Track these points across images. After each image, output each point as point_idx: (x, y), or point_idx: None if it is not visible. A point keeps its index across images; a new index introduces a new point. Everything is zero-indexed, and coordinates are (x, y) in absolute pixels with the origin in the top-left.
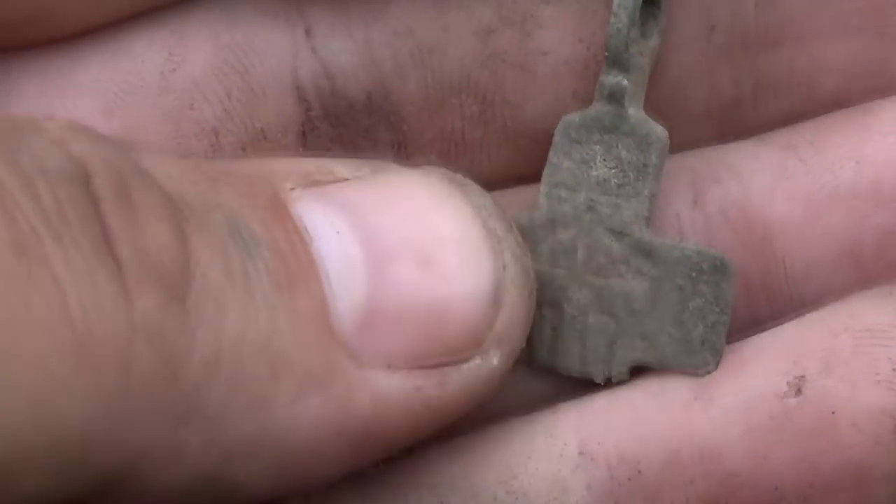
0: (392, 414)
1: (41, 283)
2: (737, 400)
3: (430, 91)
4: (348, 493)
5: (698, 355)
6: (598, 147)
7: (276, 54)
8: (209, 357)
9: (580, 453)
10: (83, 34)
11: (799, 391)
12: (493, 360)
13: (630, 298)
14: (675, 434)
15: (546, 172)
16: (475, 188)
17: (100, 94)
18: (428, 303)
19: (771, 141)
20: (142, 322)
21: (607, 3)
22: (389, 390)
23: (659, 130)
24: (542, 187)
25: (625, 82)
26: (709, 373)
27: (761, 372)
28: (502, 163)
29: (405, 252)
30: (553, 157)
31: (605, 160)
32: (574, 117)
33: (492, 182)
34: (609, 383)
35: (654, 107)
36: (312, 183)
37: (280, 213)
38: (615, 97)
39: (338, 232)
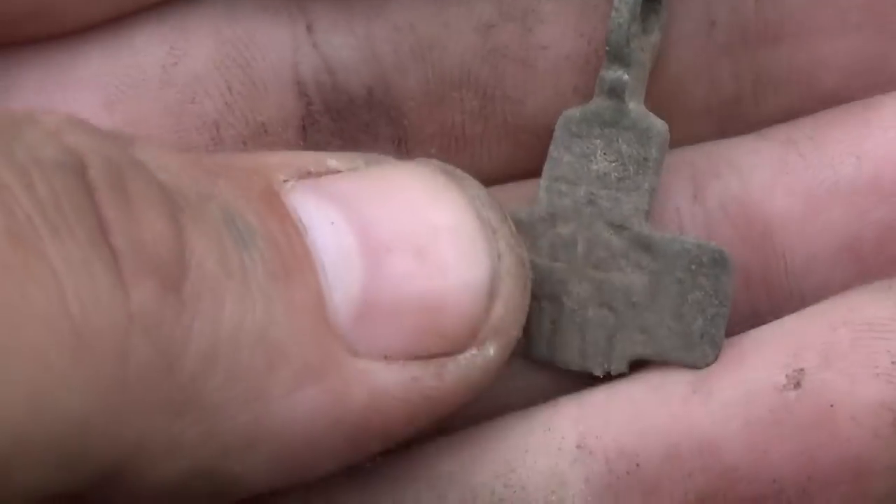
0: (389, 405)
1: (38, 275)
2: (736, 393)
3: (430, 86)
4: (347, 488)
5: (697, 348)
6: (598, 141)
7: (277, 49)
8: (206, 348)
9: (578, 447)
10: (84, 29)
11: (798, 384)
12: (489, 351)
13: (629, 292)
14: (674, 427)
15: (546, 167)
16: (469, 179)
17: (101, 88)
18: (424, 294)
19: (771, 136)
20: (138, 313)
21: None
22: (386, 382)
23: (659, 125)
24: (543, 181)
25: (625, 77)
26: (708, 366)
27: (760, 365)
28: (503, 158)
29: (400, 243)
30: (553, 151)
31: (605, 154)
32: (574, 112)
33: (492, 177)
34: (608, 377)
35: (654, 102)
36: (306, 175)
37: (275, 204)
38: (615, 92)
39: (332, 223)
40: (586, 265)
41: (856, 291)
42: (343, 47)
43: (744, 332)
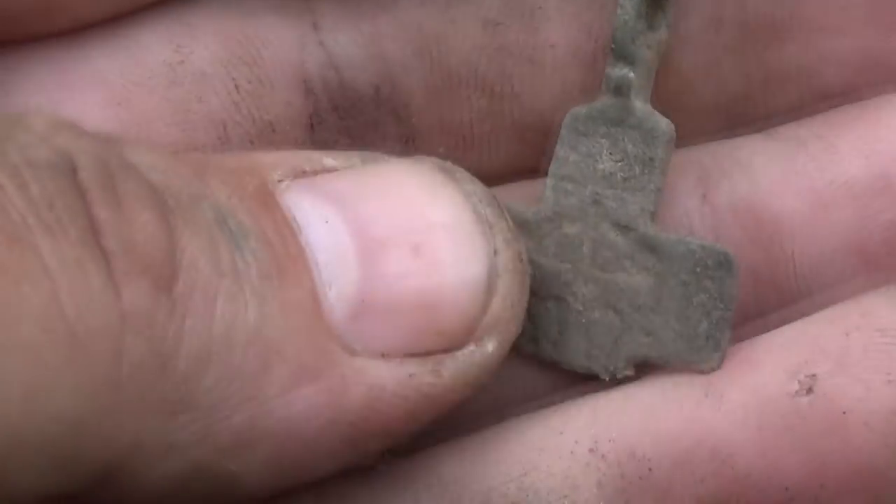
0: (387, 403)
1: (33, 274)
2: (748, 398)
3: (437, 84)
4: (361, 490)
5: (702, 351)
6: (604, 140)
7: (284, 47)
8: (198, 348)
9: (591, 450)
10: (90, 26)
11: (810, 390)
12: (487, 347)
13: (635, 293)
14: (687, 432)
15: (553, 166)
16: (465, 175)
17: (107, 87)
18: (420, 291)
19: (780, 135)
20: (131, 313)
21: None
22: (384, 379)
23: (665, 124)
24: (549, 181)
25: (631, 75)
26: (713, 369)
27: (772, 370)
28: (510, 156)
29: (396, 240)
30: (560, 150)
31: (611, 154)
32: (581, 110)
33: (500, 174)
34: (613, 379)
35: (662, 99)
36: (301, 174)
37: (268, 203)
38: (621, 90)
39: (327, 221)
40: (592, 266)
41: (869, 296)
42: (350, 45)
43: (753, 333)
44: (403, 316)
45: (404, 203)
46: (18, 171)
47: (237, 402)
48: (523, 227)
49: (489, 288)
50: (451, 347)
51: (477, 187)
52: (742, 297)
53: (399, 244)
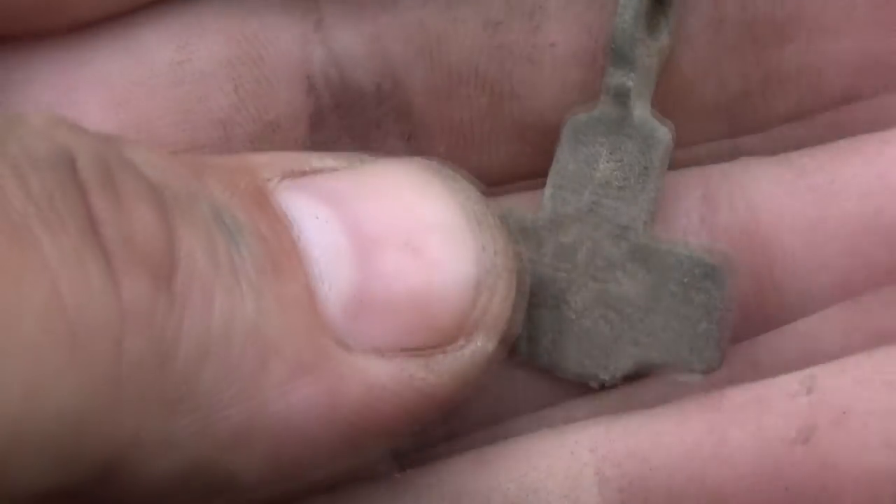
0: (383, 400)
1: (33, 269)
2: (748, 442)
3: (438, 83)
4: (372, 497)
5: (688, 364)
6: (602, 148)
7: (286, 45)
8: (197, 343)
9: (591, 451)
10: (93, 24)
11: (807, 440)
12: (478, 343)
13: (627, 302)
14: (685, 470)
15: (552, 173)
16: (456, 176)
17: (110, 86)
18: (414, 288)
19: (789, 162)
20: (130, 307)
21: None
22: (379, 375)
23: (662, 132)
24: (548, 188)
25: (630, 82)
26: (698, 380)
27: (776, 415)
28: (511, 155)
29: (389, 238)
30: (559, 157)
31: (608, 161)
32: (580, 117)
33: (500, 174)
34: (604, 388)
35: (662, 101)
36: (293, 174)
37: (261, 201)
38: (620, 97)
39: (319, 219)
40: (586, 274)
41: (882, 351)
42: (351, 43)
43: (741, 356)
44: (397, 313)
45: (397, 202)
46: (18, 166)
47: (235, 398)
48: (523, 233)
49: (480, 285)
50: (443, 344)
51: (467, 187)
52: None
53: (392, 242)
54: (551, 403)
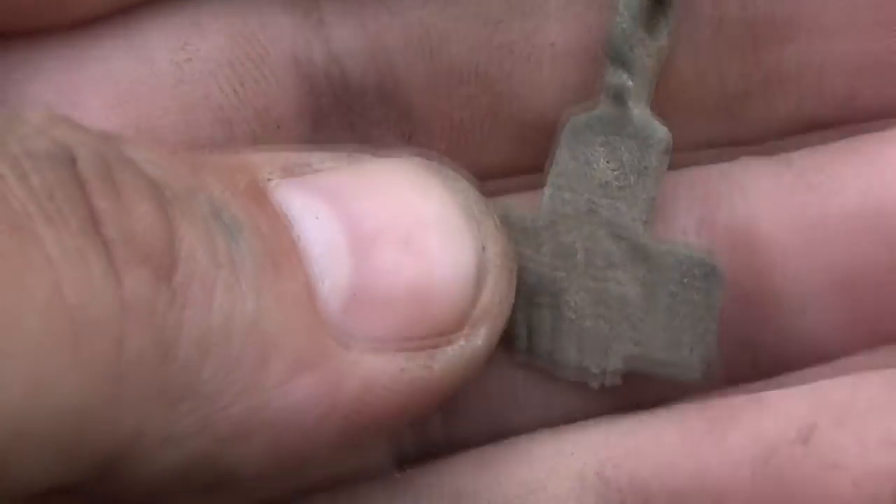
0: (382, 396)
1: (35, 264)
2: (748, 442)
3: (438, 81)
4: (373, 496)
5: (686, 363)
6: (601, 148)
7: (287, 44)
8: (197, 337)
9: (597, 474)
10: (96, 21)
11: (807, 441)
12: (477, 341)
13: (625, 302)
14: (685, 470)
15: (551, 173)
16: (453, 173)
17: (113, 83)
18: (411, 284)
19: (788, 162)
20: (131, 302)
21: None
22: (377, 371)
23: (661, 132)
24: (547, 188)
25: (629, 83)
26: (696, 380)
27: (776, 417)
28: (510, 154)
29: (386, 235)
30: (558, 157)
31: (607, 162)
32: (579, 117)
33: (500, 174)
34: (603, 388)
35: (661, 101)
36: (290, 173)
37: (260, 199)
38: (619, 98)
39: (318, 217)
40: (585, 275)
41: (881, 352)
42: (353, 41)
43: (739, 361)
44: (395, 309)
45: (394, 199)
46: (19, 162)
47: (236, 393)
48: (522, 233)
49: (478, 282)
50: (442, 340)
51: (464, 185)
52: (731, 324)
53: (390, 239)
54: (552, 404)
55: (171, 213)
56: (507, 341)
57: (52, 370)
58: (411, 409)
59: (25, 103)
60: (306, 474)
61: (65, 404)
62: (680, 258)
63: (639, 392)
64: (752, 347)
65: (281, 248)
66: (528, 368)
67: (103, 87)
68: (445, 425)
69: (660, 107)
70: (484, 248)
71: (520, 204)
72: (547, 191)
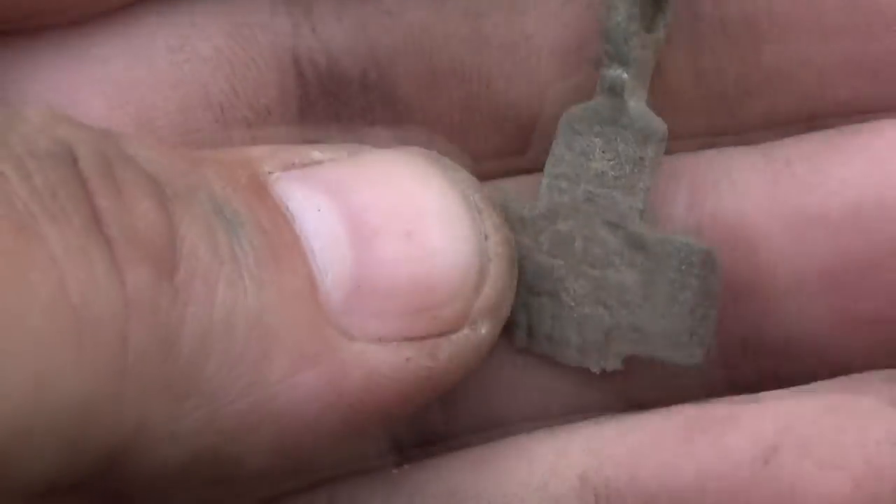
0: (384, 386)
1: (39, 261)
2: (716, 457)
3: (421, 73)
4: (371, 493)
5: (686, 348)
6: (598, 140)
7: (277, 31)
8: (201, 333)
9: (596, 473)
10: (94, 18)
11: (767, 461)
12: (481, 330)
13: (624, 290)
14: (686, 470)
15: (548, 163)
16: (452, 164)
17: (108, 72)
18: (414, 275)
19: (773, 154)
20: (134, 299)
21: None
22: (381, 363)
23: (657, 124)
24: (545, 178)
25: (624, 76)
26: (697, 365)
27: (741, 435)
28: (492, 147)
29: (388, 227)
30: (556, 148)
31: (604, 153)
32: (576, 109)
33: (483, 165)
34: (604, 373)
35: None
36: (291, 167)
37: (261, 194)
38: (615, 90)
39: (319, 210)
40: (584, 262)
41: (852, 380)
42: (339, 31)
43: (730, 349)
44: (398, 301)
45: (394, 191)
46: (21, 162)
47: (240, 388)
48: (520, 223)
49: (481, 272)
50: (446, 331)
51: (464, 175)
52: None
53: (392, 231)
54: (552, 398)
55: (171, 210)
56: (508, 329)
57: (56, 367)
58: (415, 399)
59: (25, 102)
60: (308, 467)
61: (69, 401)
62: (677, 246)
63: (637, 389)
64: (740, 335)
65: (283, 242)
66: (529, 355)
67: (100, 80)
68: (445, 415)
69: (660, 104)
70: (486, 238)
71: (516, 190)
72: (545, 181)
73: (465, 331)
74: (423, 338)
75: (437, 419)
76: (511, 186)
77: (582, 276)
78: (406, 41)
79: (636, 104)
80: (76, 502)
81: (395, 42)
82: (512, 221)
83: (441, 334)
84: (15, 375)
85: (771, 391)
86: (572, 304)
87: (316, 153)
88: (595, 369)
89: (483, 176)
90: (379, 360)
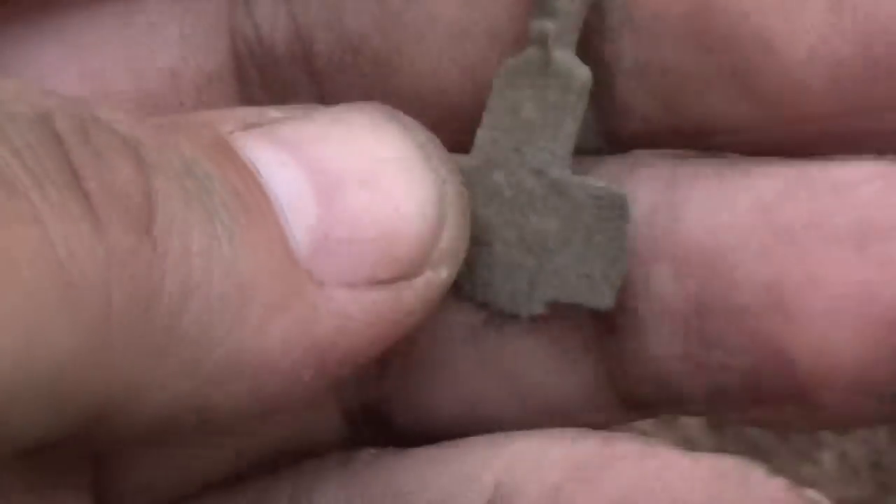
0: (354, 330)
1: (24, 218)
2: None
3: (335, 52)
4: (327, 487)
5: (598, 292)
6: (528, 91)
7: (219, 2)
8: (180, 284)
9: (497, 486)
10: None
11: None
12: (441, 274)
13: (546, 236)
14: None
15: (484, 116)
16: (404, 116)
17: (62, 37)
18: (377, 221)
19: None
20: (116, 252)
21: None
22: (350, 308)
23: (580, 72)
24: (480, 130)
25: (549, 26)
26: (608, 307)
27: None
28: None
29: (348, 176)
30: (490, 100)
31: (532, 102)
32: (509, 62)
33: None
34: (532, 319)
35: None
36: (250, 126)
37: (227, 152)
38: (541, 41)
39: (282, 164)
40: (513, 210)
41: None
42: (267, 5)
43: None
44: (364, 247)
45: (352, 142)
46: (2, 126)
47: (219, 337)
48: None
49: (441, 217)
50: (409, 275)
51: (416, 123)
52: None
53: (353, 181)
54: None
55: (146, 168)
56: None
57: (45, 322)
58: (383, 342)
59: None
60: (283, 411)
61: (58, 355)
62: (592, 192)
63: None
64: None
65: (251, 196)
66: (469, 303)
67: (55, 44)
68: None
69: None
70: (445, 184)
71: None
72: (480, 132)
73: (428, 274)
74: (388, 281)
75: (395, 406)
76: None
77: (511, 223)
78: (322, 19)
79: (562, 54)
80: (59, 461)
81: (313, 20)
82: None
83: (405, 278)
84: (7, 331)
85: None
86: (502, 251)
87: (273, 112)
88: (524, 315)
89: None
90: (348, 304)
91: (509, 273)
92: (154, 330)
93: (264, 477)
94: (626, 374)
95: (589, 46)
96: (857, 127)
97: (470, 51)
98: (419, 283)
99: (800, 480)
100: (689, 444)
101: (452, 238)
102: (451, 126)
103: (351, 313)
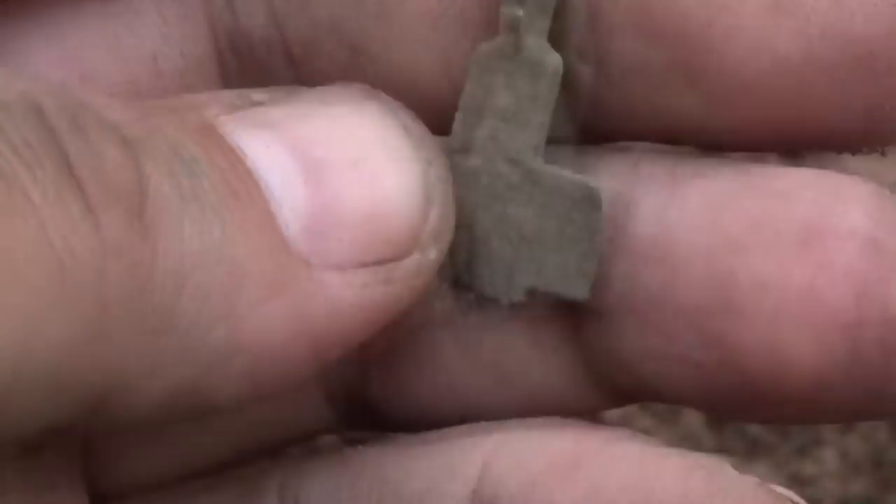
0: (345, 312)
1: (19, 206)
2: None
3: (308, 36)
4: (316, 480)
5: (572, 282)
6: (501, 77)
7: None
8: (173, 269)
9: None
10: None
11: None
12: (430, 255)
13: (522, 225)
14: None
15: (461, 100)
16: (387, 97)
17: (42, 21)
18: (364, 202)
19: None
20: (109, 239)
21: None
22: (341, 290)
23: (552, 60)
24: (458, 114)
25: (519, 13)
26: (583, 298)
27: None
28: None
29: (335, 157)
30: (467, 85)
31: (506, 88)
32: (483, 47)
33: None
34: (512, 306)
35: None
36: (235, 109)
37: (213, 136)
38: (513, 28)
39: (268, 147)
40: (489, 197)
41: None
42: None
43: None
44: (352, 229)
45: (337, 124)
46: None
47: (212, 321)
48: None
49: (428, 197)
50: (398, 256)
51: (400, 105)
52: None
53: (338, 160)
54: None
55: (135, 154)
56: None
57: (42, 310)
58: (374, 323)
59: None
60: (277, 393)
61: (56, 343)
62: (565, 183)
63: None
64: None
65: (239, 179)
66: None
67: (39, 33)
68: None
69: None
70: (431, 164)
71: None
72: (457, 116)
73: (416, 255)
74: (377, 263)
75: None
76: None
77: (488, 210)
78: (296, 4)
79: (534, 41)
80: (57, 457)
81: (287, 5)
82: None
83: (394, 259)
84: (5, 324)
85: None
86: (482, 237)
87: (256, 94)
88: (504, 301)
89: None
90: (338, 286)
91: (489, 258)
92: (149, 317)
93: (252, 466)
94: (600, 363)
95: (557, 35)
96: (805, 126)
97: (443, 37)
98: (409, 264)
99: (801, 477)
100: (689, 441)
101: (439, 219)
102: (429, 112)
103: (342, 295)
